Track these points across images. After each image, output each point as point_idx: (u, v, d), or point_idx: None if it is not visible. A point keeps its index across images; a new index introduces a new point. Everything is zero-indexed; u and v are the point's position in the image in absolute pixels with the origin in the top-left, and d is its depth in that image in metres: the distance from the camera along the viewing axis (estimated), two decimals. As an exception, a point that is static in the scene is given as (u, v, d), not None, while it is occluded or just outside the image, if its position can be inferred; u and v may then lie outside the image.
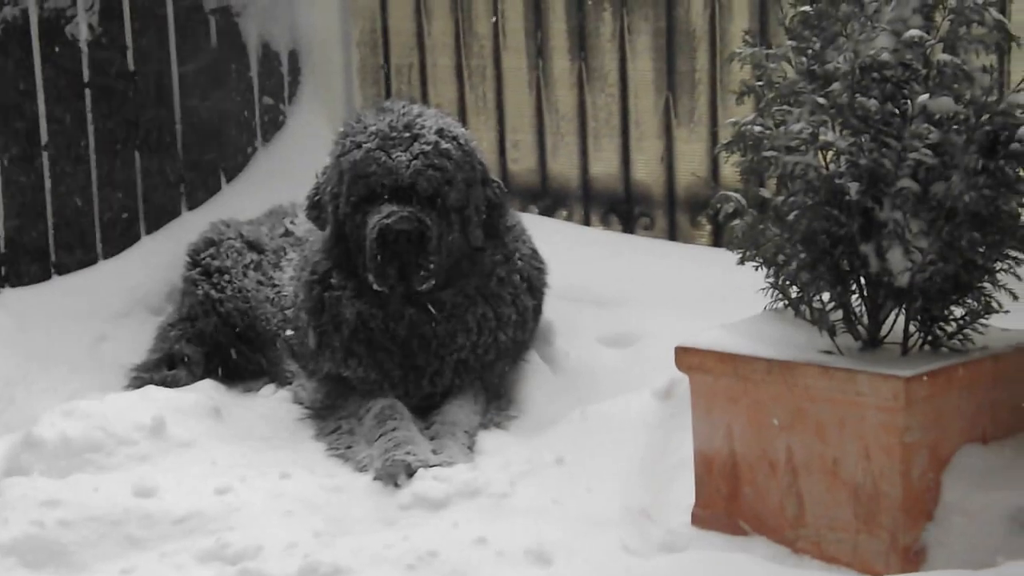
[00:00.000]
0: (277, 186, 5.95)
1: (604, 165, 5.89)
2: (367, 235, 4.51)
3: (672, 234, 5.75)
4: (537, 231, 5.05)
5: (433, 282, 4.54)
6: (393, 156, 4.52)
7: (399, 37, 6.36)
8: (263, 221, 5.47)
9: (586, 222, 5.97)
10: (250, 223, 5.46)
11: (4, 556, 3.83)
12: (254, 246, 5.34)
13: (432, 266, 4.51)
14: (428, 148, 4.54)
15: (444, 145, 4.57)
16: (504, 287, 4.74)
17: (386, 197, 4.52)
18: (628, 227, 5.84)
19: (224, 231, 5.40)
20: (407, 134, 4.56)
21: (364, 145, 4.56)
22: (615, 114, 5.82)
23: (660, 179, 5.76)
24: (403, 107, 4.68)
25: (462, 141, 4.66)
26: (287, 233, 5.34)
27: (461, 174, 4.60)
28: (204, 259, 5.35)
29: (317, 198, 4.74)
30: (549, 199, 6.06)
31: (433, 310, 4.62)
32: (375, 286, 4.53)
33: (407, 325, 4.63)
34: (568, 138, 5.97)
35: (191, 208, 6.22)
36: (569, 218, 6.01)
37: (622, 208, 5.86)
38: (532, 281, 4.85)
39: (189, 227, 5.83)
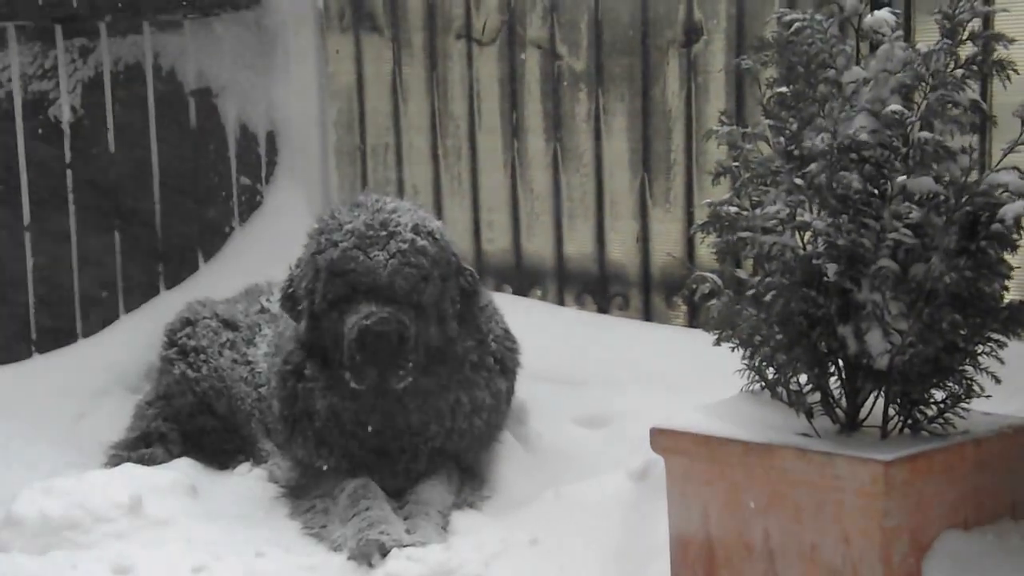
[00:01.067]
0: (254, 265, 5.94)
1: (579, 245, 5.86)
2: (345, 334, 4.42)
3: (647, 314, 5.70)
4: (511, 311, 4.99)
5: (410, 379, 4.46)
6: (371, 255, 4.45)
7: (375, 118, 6.37)
8: (239, 299, 5.45)
9: (560, 302, 5.92)
10: (226, 302, 5.44)
11: (-17, 634, 3.81)
12: (229, 324, 5.31)
13: (410, 365, 4.44)
14: (405, 246, 4.47)
15: (420, 242, 4.50)
16: (478, 372, 4.67)
17: (363, 296, 4.43)
18: (603, 307, 5.81)
19: (200, 311, 5.38)
20: (383, 232, 4.48)
21: (341, 244, 4.48)
22: (590, 194, 5.80)
23: (635, 259, 5.72)
24: (377, 202, 4.61)
25: (437, 236, 4.59)
26: (262, 310, 5.31)
27: (437, 270, 4.54)
28: (180, 339, 5.32)
29: (291, 291, 4.67)
30: (523, 279, 6.02)
31: (406, 401, 4.54)
32: (352, 384, 4.46)
33: (380, 417, 4.57)
34: (543, 218, 5.95)
35: (169, 287, 6.21)
36: (543, 298, 5.97)
37: (597, 288, 5.83)
38: (505, 363, 4.79)
39: (167, 306, 5.82)
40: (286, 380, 4.69)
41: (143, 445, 5.20)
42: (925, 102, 3.41)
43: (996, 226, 3.31)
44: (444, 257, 4.57)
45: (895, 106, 3.34)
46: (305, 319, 4.57)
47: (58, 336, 5.88)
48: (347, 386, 4.49)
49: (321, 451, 4.61)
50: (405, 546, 4.12)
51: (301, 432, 4.65)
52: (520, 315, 5.07)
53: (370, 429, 4.55)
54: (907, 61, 3.42)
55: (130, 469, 4.66)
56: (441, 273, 4.54)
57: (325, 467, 4.61)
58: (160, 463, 5.00)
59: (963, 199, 3.33)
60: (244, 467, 5.03)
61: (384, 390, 4.47)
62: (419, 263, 4.46)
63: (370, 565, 4.07)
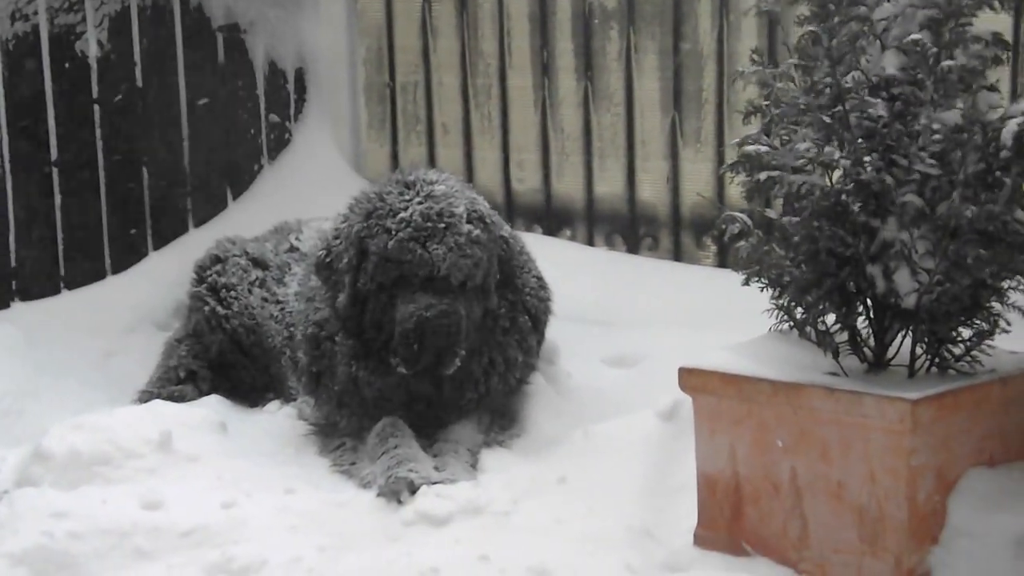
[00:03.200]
0: (283, 203, 5.94)
1: (609, 185, 5.86)
2: (398, 322, 4.45)
3: (677, 255, 5.73)
4: (540, 251, 5.00)
5: (459, 363, 4.49)
6: (429, 248, 4.45)
7: (405, 55, 6.34)
8: (268, 238, 5.44)
9: (590, 242, 5.94)
10: (255, 240, 5.44)
11: (14, 566, 3.84)
12: (259, 263, 5.32)
13: (463, 352, 4.48)
14: (462, 239, 4.48)
15: (476, 232, 4.52)
16: (510, 335, 4.70)
17: (418, 285, 4.46)
18: (632, 247, 5.82)
19: (230, 248, 5.38)
20: (441, 224, 4.48)
21: (397, 234, 4.47)
22: (620, 134, 5.79)
23: (665, 199, 5.73)
24: (428, 185, 4.56)
25: (488, 222, 4.60)
26: (292, 249, 5.31)
27: (487, 254, 4.57)
28: (210, 276, 5.32)
29: (329, 260, 4.67)
30: (553, 219, 6.04)
31: (441, 385, 4.59)
32: (402, 370, 4.49)
33: (406, 391, 4.61)
34: (573, 158, 5.94)
35: (198, 225, 6.23)
36: (573, 238, 5.98)
37: (627, 228, 5.84)
38: (538, 317, 4.81)
39: (196, 243, 5.83)
40: (319, 343, 4.72)
41: (173, 382, 5.23)
42: (947, 33, 3.39)
43: (1006, 153, 3.28)
44: (494, 242, 4.59)
45: (916, 35, 3.33)
46: (345, 296, 4.56)
47: (87, 273, 5.91)
48: (386, 367, 4.53)
49: (342, 411, 4.66)
50: (434, 483, 4.15)
51: (323, 390, 4.70)
52: (550, 255, 5.08)
53: (400, 400, 4.58)
54: (933, -5, 3.41)
55: (160, 406, 4.68)
56: (489, 255, 4.57)
57: (343, 421, 4.65)
58: (190, 400, 5.02)
59: (986, 131, 3.32)
60: (273, 404, 5.05)
61: (434, 376, 4.52)
62: (474, 254, 4.48)
63: (399, 502, 4.10)
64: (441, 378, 4.55)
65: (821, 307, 3.52)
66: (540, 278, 4.86)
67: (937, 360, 3.57)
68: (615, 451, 4.19)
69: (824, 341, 3.54)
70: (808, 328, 3.60)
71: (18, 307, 5.70)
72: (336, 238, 4.66)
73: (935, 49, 3.39)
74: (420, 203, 4.49)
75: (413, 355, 4.43)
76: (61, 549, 3.87)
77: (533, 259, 4.88)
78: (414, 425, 4.56)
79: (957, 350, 3.54)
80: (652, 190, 5.75)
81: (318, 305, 4.77)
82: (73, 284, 5.88)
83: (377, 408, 4.60)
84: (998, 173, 3.34)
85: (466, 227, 4.49)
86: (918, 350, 3.56)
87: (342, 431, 4.64)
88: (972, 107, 3.36)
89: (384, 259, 4.47)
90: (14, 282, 5.74)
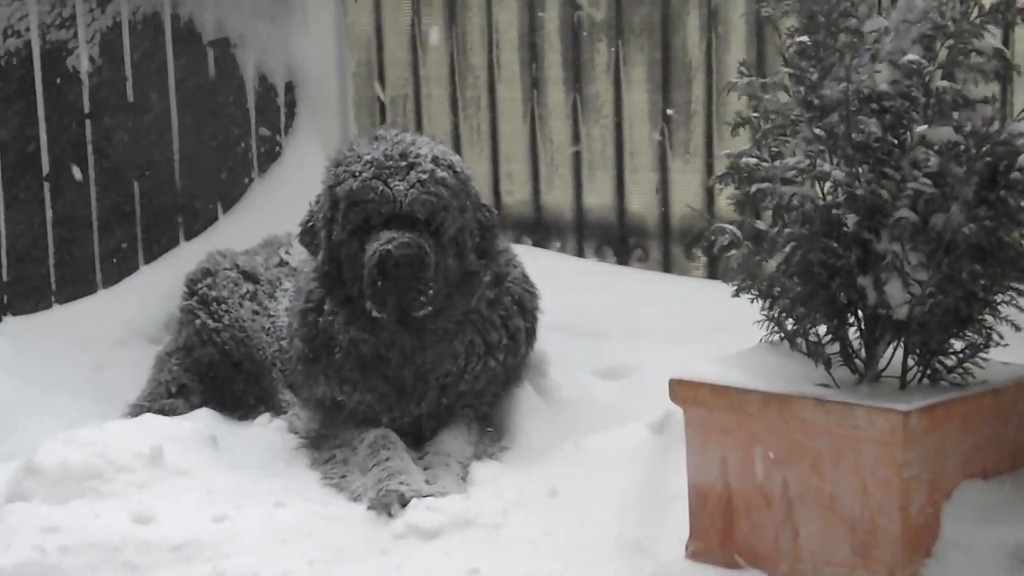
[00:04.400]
0: (273, 217, 5.91)
1: (598, 196, 5.85)
2: (365, 262, 4.46)
3: (667, 266, 5.71)
4: (531, 263, 4.99)
5: (430, 308, 4.48)
6: (390, 184, 4.47)
7: (394, 69, 6.34)
8: (258, 251, 5.45)
9: (580, 254, 5.93)
10: (246, 253, 5.44)
11: (6, 581, 3.83)
12: (250, 276, 5.32)
13: (431, 292, 4.46)
14: (425, 176, 4.50)
15: (440, 173, 4.53)
16: (494, 309, 4.70)
17: (383, 224, 4.46)
18: (622, 259, 5.80)
19: (220, 261, 5.37)
20: (403, 162, 4.51)
21: (361, 174, 4.51)
22: (609, 145, 5.78)
23: (655, 210, 5.71)
24: (396, 135, 4.64)
25: (457, 169, 4.62)
26: (282, 263, 5.32)
27: (456, 201, 4.56)
28: (201, 289, 5.31)
29: (310, 224, 4.70)
30: (543, 231, 6.02)
31: (424, 338, 4.57)
32: (373, 313, 4.48)
33: (399, 351, 4.59)
34: (562, 169, 5.93)
35: (189, 238, 6.22)
36: (563, 250, 5.96)
37: (616, 240, 5.82)
38: (523, 303, 4.81)
39: (187, 257, 5.81)
40: (307, 316, 4.71)
41: (164, 396, 5.21)
42: (944, 50, 3.38)
43: (1016, 175, 3.29)
44: (463, 189, 4.59)
45: (912, 56, 3.32)
46: (324, 251, 4.59)
47: (78, 287, 5.89)
48: (368, 319, 4.52)
49: (344, 387, 4.64)
50: (425, 496, 4.13)
51: (322, 369, 4.67)
52: (540, 267, 5.06)
53: (391, 359, 4.56)
54: (927, 11, 3.40)
55: (151, 420, 4.66)
56: (460, 205, 4.56)
57: (347, 401, 4.63)
58: (181, 414, 5.01)
59: (983, 148, 3.30)
60: (264, 418, 5.04)
61: (404, 320, 4.50)
62: (438, 192, 4.48)
63: (390, 515, 4.08)
64: (421, 330, 4.52)
65: (812, 318, 3.50)
66: (526, 276, 4.87)
67: (929, 372, 3.54)
68: (606, 463, 4.17)
69: (815, 352, 3.52)
70: (799, 339, 3.58)
71: (9, 321, 5.69)
72: (316, 201, 4.68)
73: (930, 68, 3.37)
74: (386, 147, 4.53)
75: (379, 293, 4.42)
76: (53, 563, 3.85)
77: (520, 261, 4.88)
78: (401, 428, 4.56)
79: (949, 362, 3.52)
80: (641, 201, 5.74)
81: (306, 286, 4.77)
82: (64, 298, 5.87)
83: (376, 374, 4.58)
84: (1003, 192, 3.32)
85: (429, 166, 4.51)
86: (910, 362, 3.53)
87: (333, 444, 4.61)
88: (968, 123, 3.33)
89: (351, 203, 4.49)
90: (5, 296, 5.73)
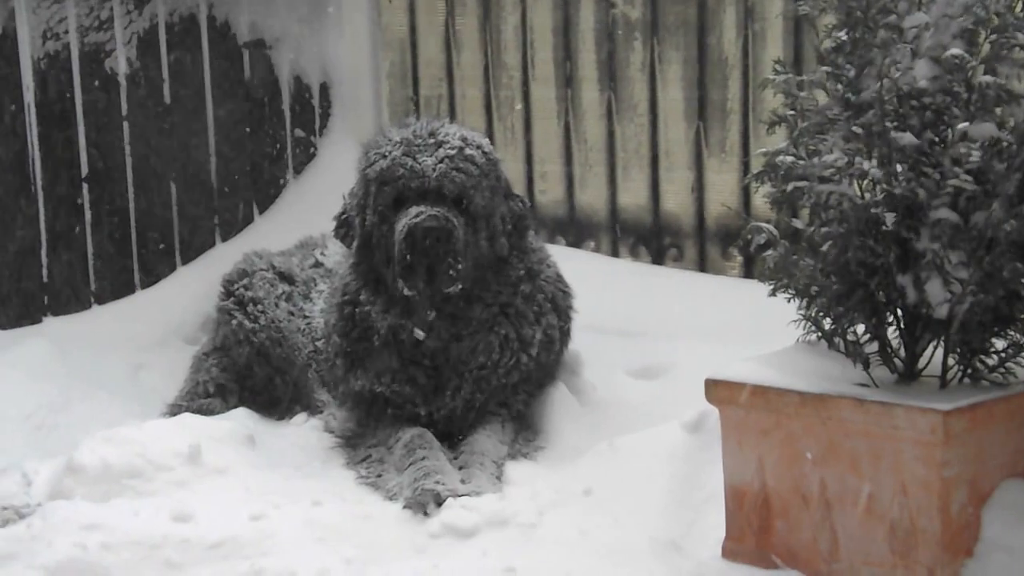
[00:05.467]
0: (308, 217, 5.93)
1: (633, 196, 5.82)
2: (395, 239, 4.48)
3: (702, 265, 5.68)
4: (565, 262, 4.98)
5: (460, 286, 4.49)
6: (419, 160, 4.52)
7: (428, 69, 6.34)
8: (294, 252, 5.45)
9: (614, 253, 5.90)
10: (281, 254, 5.45)
11: (48, 578, 3.85)
12: (285, 277, 5.32)
13: (460, 267, 4.47)
14: (453, 152, 4.54)
15: (468, 151, 4.57)
16: (528, 304, 4.70)
17: (413, 201, 4.49)
18: (657, 258, 5.77)
19: (256, 262, 5.38)
20: (432, 140, 4.57)
21: (391, 153, 4.56)
22: (644, 144, 5.75)
23: (690, 210, 5.68)
24: (426, 120, 4.70)
25: (486, 150, 4.66)
26: (317, 264, 5.32)
27: (486, 180, 4.59)
28: (237, 290, 5.32)
29: (344, 216, 4.74)
30: (577, 230, 6.00)
31: (459, 327, 4.58)
32: (404, 291, 4.49)
33: (435, 337, 4.59)
34: (596, 169, 5.90)
35: (225, 239, 6.24)
36: (597, 249, 5.94)
37: (651, 239, 5.79)
38: (557, 302, 4.80)
39: (223, 257, 5.85)
40: (343, 309, 4.73)
41: (201, 396, 5.23)
42: (987, 45, 3.34)
43: None
44: (493, 170, 4.62)
45: (955, 50, 3.27)
46: (358, 237, 4.62)
47: (116, 287, 5.91)
48: (403, 307, 4.53)
49: (383, 378, 4.64)
50: (460, 495, 4.12)
51: (360, 362, 4.69)
52: (574, 267, 5.04)
53: (427, 347, 4.56)
54: (969, 5, 3.36)
55: (189, 419, 4.68)
56: (490, 185, 4.59)
57: (385, 391, 4.63)
58: (218, 413, 5.02)
59: None
60: (300, 417, 5.04)
61: (436, 299, 4.50)
62: (467, 168, 4.52)
63: (425, 514, 4.08)
64: (455, 317, 4.53)
65: (850, 317, 3.47)
66: (560, 275, 4.87)
67: (969, 371, 3.50)
68: (641, 463, 4.15)
69: (854, 351, 3.48)
70: (837, 339, 3.55)
71: (49, 322, 5.73)
72: (350, 193, 4.71)
73: (973, 62, 3.32)
74: (415, 128, 4.60)
75: (409, 268, 4.43)
76: (94, 561, 3.87)
77: (553, 259, 4.88)
78: (435, 423, 4.57)
79: (990, 361, 3.48)
80: (676, 200, 5.71)
81: (342, 281, 4.79)
82: (103, 299, 5.90)
83: (413, 365, 4.60)
84: None
85: (458, 143, 4.55)
86: (950, 361, 3.49)
87: (369, 443, 4.61)
88: (1011, 118, 3.28)
89: (381, 182, 4.53)
90: (45, 297, 5.76)
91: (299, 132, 6.46)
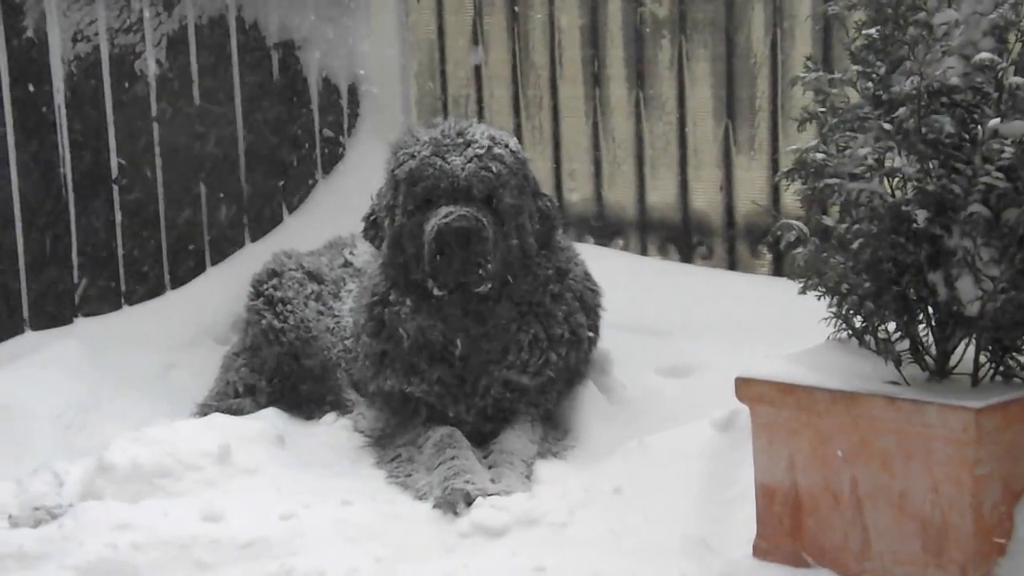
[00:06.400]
0: (337, 217, 5.94)
1: (662, 194, 5.81)
2: (425, 239, 4.48)
3: (732, 263, 5.67)
4: (594, 261, 4.97)
5: (489, 285, 4.50)
6: (448, 160, 4.54)
7: (457, 70, 6.32)
8: (323, 252, 5.47)
9: (643, 252, 5.89)
10: (311, 254, 5.46)
11: (80, 577, 3.86)
12: (315, 277, 5.33)
13: (489, 266, 4.48)
14: (481, 151, 4.56)
15: (497, 150, 4.59)
16: (557, 304, 4.70)
17: (442, 201, 4.50)
18: (686, 257, 5.76)
19: (286, 262, 5.39)
20: (460, 140, 4.59)
21: (420, 153, 4.58)
22: (673, 142, 5.74)
23: (719, 208, 5.66)
24: (455, 120, 4.72)
25: (514, 148, 4.68)
26: (346, 264, 5.34)
27: (514, 179, 4.61)
28: (267, 290, 5.33)
29: (373, 217, 4.76)
30: (605, 229, 6.00)
31: (488, 326, 4.59)
32: (435, 290, 4.51)
33: (465, 337, 4.60)
34: (625, 167, 5.89)
35: (254, 239, 6.26)
36: (626, 248, 5.93)
37: (680, 237, 5.77)
38: (586, 300, 4.80)
39: (252, 257, 5.87)
40: (373, 310, 4.74)
41: (231, 396, 5.25)
42: (1019, 45, 3.32)
43: None
44: (521, 170, 4.64)
45: (985, 53, 3.25)
46: (387, 238, 4.62)
47: (147, 288, 5.93)
48: (432, 308, 4.55)
49: (412, 378, 4.65)
50: (490, 495, 4.13)
51: (389, 363, 4.70)
52: (602, 265, 5.04)
53: (457, 347, 4.58)
54: (999, 2, 3.33)
55: (218, 419, 4.70)
56: (518, 184, 4.60)
57: (416, 391, 4.63)
58: (248, 413, 5.04)
59: None
60: (330, 417, 5.06)
61: (466, 299, 4.51)
62: (496, 168, 4.54)
63: (455, 513, 4.09)
64: (484, 316, 4.54)
65: (881, 315, 3.45)
66: (588, 273, 4.87)
67: (1001, 369, 3.47)
68: (671, 461, 4.14)
69: (884, 349, 3.46)
70: (868, 336, 3.53)
71: (80, 322, 5.74)
72: (378, 194, 4.72)
73: (1003, 64, 3.30)
74: (443, 128, 4.62)
75: (439, 267, 4.44)
76: (124, 560, 3.89)
77: (582, 259, 4.89)
78: (463, 420, 4.58)
79: (1023, 358, 3.45)
80: (705, 198, 5.69)
81: (371, 281, 4.79)
82: (134, 299, 5.91)
83: (443, 364, 4.60)
84: None
85: (487, 142, 4.57)
86: (981, 358, 3.46)
87: (398, 443, 4.62)
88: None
89: (410, 182, 4.55)
90: (76, 298, 5.77)
91: (327, 132, 6.48)
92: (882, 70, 3.42)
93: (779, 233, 3.64)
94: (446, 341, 4.61)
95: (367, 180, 5.94)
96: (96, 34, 5.75)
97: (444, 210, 4.48)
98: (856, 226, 3.43)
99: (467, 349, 4.61)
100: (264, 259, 5.51)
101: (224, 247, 6.16)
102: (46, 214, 5.65)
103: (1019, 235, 3.29)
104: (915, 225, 3.34)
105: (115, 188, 5.83)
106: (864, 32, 3.46)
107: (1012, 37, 3.35)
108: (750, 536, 3.70)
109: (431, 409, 4.66)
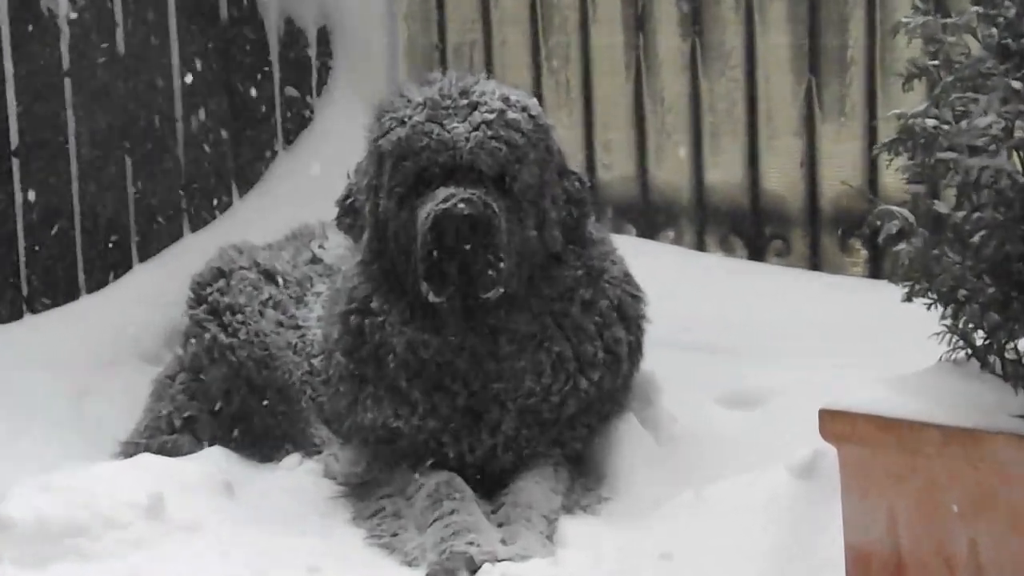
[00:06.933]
0: (302, 201, 6.00)
1: (724, 172, 5.87)
2: (418, 229, 4.50)
3: (815, 262, 5.74)
4: (635, 258, 5.02)
5: (502, 290, 4.53)
6: (447, 127, 4.55)
7: (458, 9, 6.37)
8: (284, 246, 5.50)
9: (700, 246, 5.97)
10: (268, 248, 5.49)
11: (-36, 669, 3.90)
12: (273, 277, 5.37)
13: (501, 266, 4.49)
14: (492, 117, 4.56)
15: (512, 115, 4.60)
16: (588, 315, 4.73)
17: (440, 181, 4.51)
18: (756, 253, 5.82)
19: (236, 259, 5.42)
20: (463, 101, 4.59)
21: (411, 119, 4.58)
22: (739, 105, 5.80)
23: (799, 189, 5.71)
24: (456, 75, 4.71)
25: (534, 113, 4.68)
26: (314, 260, 5.37)
27: (534, 153, 4.62)
28: (211, 295, 5.37)
29: (350, 201, 4.78)
30: (651, 216, 6.06)
31: (500, 343, 4.62)
32: (430, 296, 4.52)
33: (468, 356, 4.63)
34: (676, 137, 5.95)
35: (195, 229, 6.31)
36: (677, 241, 6.01)
37: (748, 228, 5.82)
38: (625, 309, 4.84)
39: (193, 253, 5.90)
40: (349, 320, 4.76)
41: (165, 431, 5.28)
42: None
43: None
44: (543, 140, 4.65)
45: None
46: (368, 229, 4.65)
47: (55, 292, 5.95)
48: (426, 318, 4.57)
49: (400, 410, 4.68)
50: (500, 560, 4.16)
51: (371, 388, 4.72)
52: (647, 263, 5.08)
53: (460, 368, 4.60)
54: None
55: (148, 461, 4.74)
56: (539, 159, 4.62)
57: (397, 426, 4.66)
58: (186, 453, 5.08)
59: None
60: (292, 459, 5.08)
61: (471, 309, 4.54)
62: (509, 137, 4.55)
63: (456, 584, 4.14)
64: (495, 330, 4.57)
65: (1010, 329, 3.47)
66: (629, 275, 4.90)
67: None
68: (734, 518, 4.17)
69: (1014, 374, 3.49)
70: (992, 357, 3.55)
71: (-33, 335, 5.78)
72: (356, 171, 4.76)
73: None
74: (442, 87, 4.61)
75: (436, 268, 4.45)
76: (22, 649, 3.92)
77: (622, 257, 4.92)
78: (469, 471, 4.60)
79: None
80: (781, 178, 5.74)
81: (347, 283, 4.82)
82: (38, 306, 5.93)
83: (438, 391, 4.63)
84: None
85: (498, 105, 4.57)
86: None
87: (382, 492, 4.67)
88: None
89: (399, 156, 4.56)
90: (-37, 306, 5.83)
91: (290, 91, 6.53)
92: (1011, 12, 3.45)
93: (877, 223, 3.66)
94: (444, 361, 4.65)
95: (342, 153, 5.96)
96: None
97: (443, 193, 4.49)
98: (977, 214, 3.46)
99: (472, 372, 4.65)
100: (208, 255, 5.53)
101: (156, 239, 6.19)
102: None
103: None
104: (1055, 213, 3.38)
105: (14, 162, 5.85)
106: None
107: None
108: (838, 614, 3.74)
109: (424, 449, 4.69)
